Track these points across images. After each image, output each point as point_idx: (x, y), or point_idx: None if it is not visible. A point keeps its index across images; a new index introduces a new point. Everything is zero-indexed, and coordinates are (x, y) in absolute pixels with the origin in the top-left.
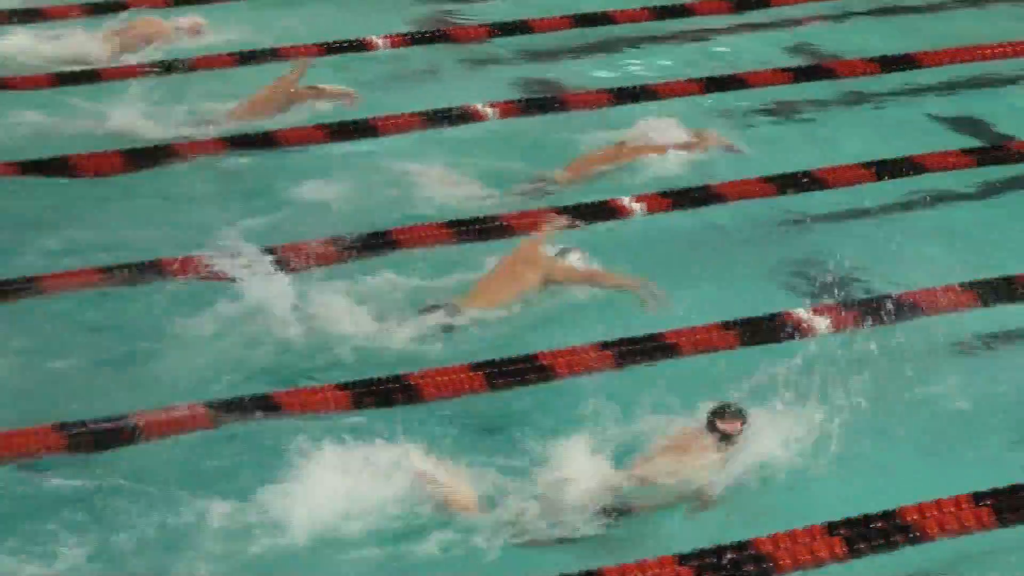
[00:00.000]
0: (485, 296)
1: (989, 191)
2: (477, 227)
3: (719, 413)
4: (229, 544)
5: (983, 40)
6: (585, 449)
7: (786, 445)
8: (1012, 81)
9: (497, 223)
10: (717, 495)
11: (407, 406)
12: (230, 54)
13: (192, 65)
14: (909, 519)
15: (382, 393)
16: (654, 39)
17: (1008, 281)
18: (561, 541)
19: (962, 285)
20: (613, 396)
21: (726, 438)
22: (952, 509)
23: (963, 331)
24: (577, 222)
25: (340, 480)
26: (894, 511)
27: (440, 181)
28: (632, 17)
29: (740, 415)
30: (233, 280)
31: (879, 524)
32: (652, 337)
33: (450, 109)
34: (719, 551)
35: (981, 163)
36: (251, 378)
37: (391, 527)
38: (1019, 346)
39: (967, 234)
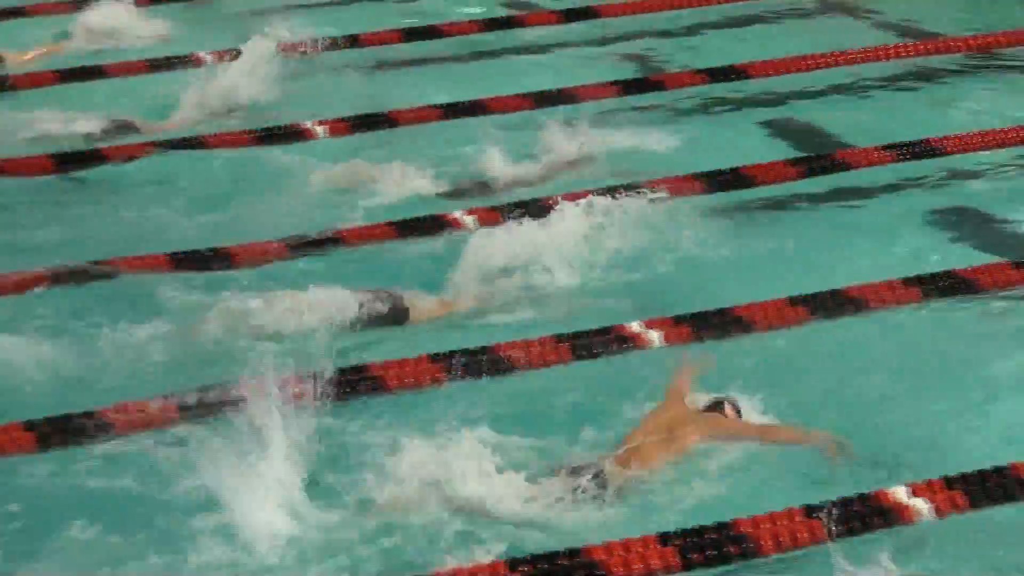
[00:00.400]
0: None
1: (816, 201)
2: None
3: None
4: None
5: (808, 50)
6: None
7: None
8: (837, 91)
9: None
10: None
11: None
12: None
13: None
14: (743, 531)
15: None
16: (484, 53)
17: (836, 294)
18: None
19: (791, 299)
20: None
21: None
22: (785, 522)
23: (794, 345)
24: None
25: None
26: (728, 523)
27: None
28: (462, 30)
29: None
30: None
31: (713, 535)
32: (484, 350)
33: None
34: (550, 557)
35: (808, 174)
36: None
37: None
38: (849, 361)
39: (796, 245)
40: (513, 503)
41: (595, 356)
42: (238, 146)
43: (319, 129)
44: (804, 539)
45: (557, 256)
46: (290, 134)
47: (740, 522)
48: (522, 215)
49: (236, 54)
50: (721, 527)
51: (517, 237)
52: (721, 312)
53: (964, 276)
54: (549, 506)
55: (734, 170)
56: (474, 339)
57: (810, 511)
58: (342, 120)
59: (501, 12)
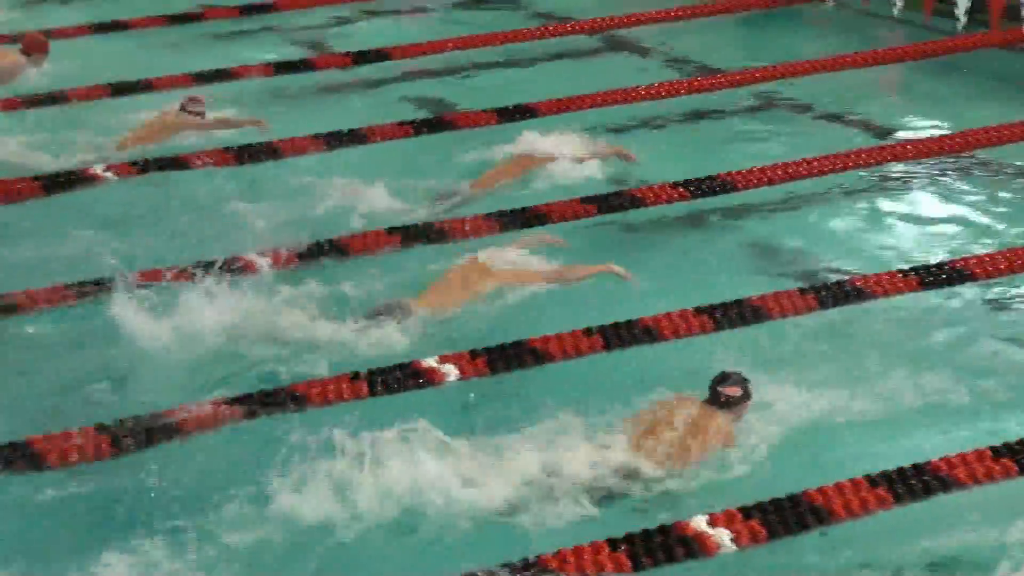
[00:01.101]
0: (438, 298)
1: (610, 238)
2: None
3: (722, 379)
4: None
5: (597, 88)
6: None
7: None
8: (627, 128)
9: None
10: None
11: None
12: None
13: None
14: (550, 566)
15: None
16: (274, 94)
17: (630, 325)
18: None
19: (587, 331)
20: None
21: (728, 404)
22: (590, 555)
23: (590, 374)
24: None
25: None
26: (533, 559)
27: None
28: (255, 73)
29: (743, 383)
30: None
31: (520, 571)
32: (281, 391)
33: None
34: None
35: (601, 211)
36: None
37: None
38: (646, 388)
39: (590, 279)
40: None
41: (393, 392)
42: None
43: (108, 174)
44: (611, 571)
45: None
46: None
47: (545, 558)
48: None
49: None
50: (527, 565)
51: None
52: (516, 344)
53: (754, 305)
54: None
55: (526, 208)
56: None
57: (614, 544)
58: (130, 165)
59: (294, 54)
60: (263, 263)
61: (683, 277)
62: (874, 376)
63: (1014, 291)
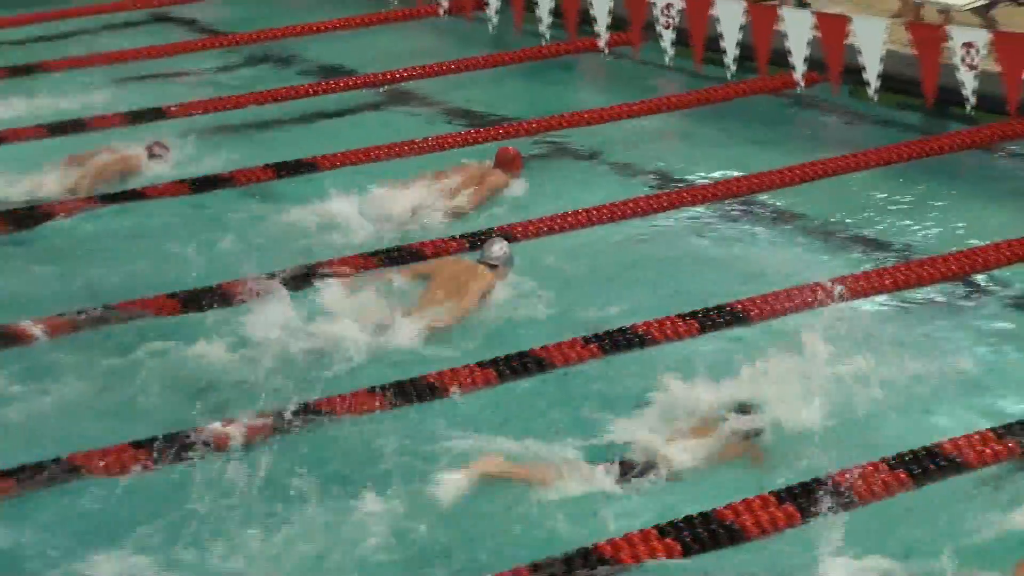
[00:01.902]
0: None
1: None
2: None
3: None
4: None
5: (387, 141)
6: None
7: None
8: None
9: None
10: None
11: None
12: None
13: None
14: None
15: None
16: (48, 152)
17: (416, 381)
18: None
19: (371, 389)
20: None
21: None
22: None
23: (371, 433)
24: None
25: None
26: None
27: None
28: (31, 134)
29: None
30: None
31: None
32: None
33: None
34: None
35: (388, 262)
36: None
37: None
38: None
39: None
40: None
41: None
42: None
43: None
44: None
45: None
46: None
47: None
48: None
49: None
50: None
51: None
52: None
53: (537, 355)
54: None
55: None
56: None
57: None
58: None
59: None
60: (37, 331)
61: (469, 332)
62: (655, 425)
63: (791, 330)
